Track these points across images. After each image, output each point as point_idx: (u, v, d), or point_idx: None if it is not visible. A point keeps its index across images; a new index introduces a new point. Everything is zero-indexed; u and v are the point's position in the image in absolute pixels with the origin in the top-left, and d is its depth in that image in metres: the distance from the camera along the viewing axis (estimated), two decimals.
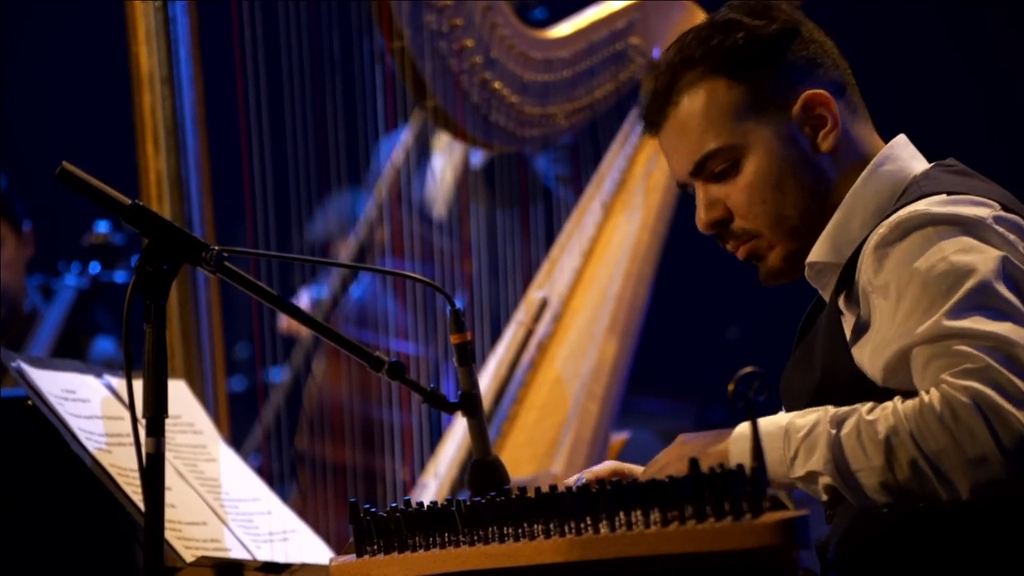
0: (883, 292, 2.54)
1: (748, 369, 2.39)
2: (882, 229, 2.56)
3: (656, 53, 4.69)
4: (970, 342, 2.41)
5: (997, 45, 6.51)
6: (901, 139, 2.76)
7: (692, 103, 2.72)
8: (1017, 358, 2.37)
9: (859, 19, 6.47)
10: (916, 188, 2.65)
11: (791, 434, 2.48)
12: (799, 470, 2.46)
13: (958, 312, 2.44)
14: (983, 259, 2.47)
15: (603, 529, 2.22)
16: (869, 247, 2.57)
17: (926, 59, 6.48)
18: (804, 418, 2.48)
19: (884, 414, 2.42)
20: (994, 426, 2.34)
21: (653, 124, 2.78)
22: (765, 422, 2.52)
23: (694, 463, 2.15)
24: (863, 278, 2.58)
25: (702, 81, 2.71)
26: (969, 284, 2.45)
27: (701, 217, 2.75)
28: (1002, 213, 2.55)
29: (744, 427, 2.52)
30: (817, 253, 2.69)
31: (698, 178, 2.74)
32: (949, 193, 2.58)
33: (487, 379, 4.53)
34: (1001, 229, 2.51)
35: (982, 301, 2.44)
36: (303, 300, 6.10)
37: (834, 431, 2.45)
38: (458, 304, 2.72)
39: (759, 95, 2.70)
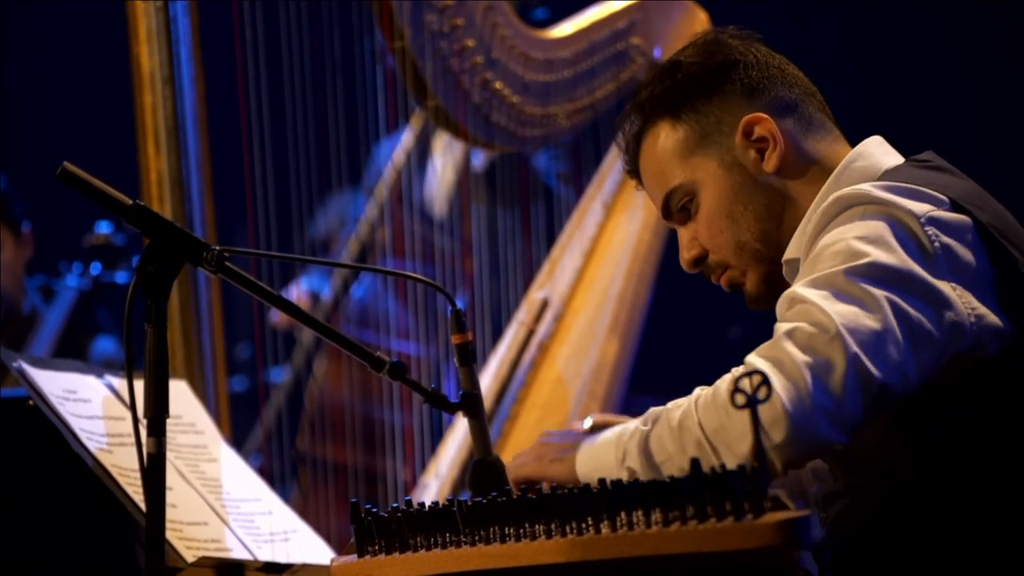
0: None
1: (748, 369, 2.39)
2: (825, 204, 2.61)
3: (657, 53, 4.70)
4: (798, 314, 2.45)
5: (996, 44, 6.51)
6: (875, 139, 2.78)
7: (648, 149, 2.81)
8: (815, 340, 2.40)
9: (858, 17, 6.47)
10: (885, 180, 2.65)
11: (621, 436, 2.59)
12: (622, 470, 2.55)
13: (818, 283, 2.48)
14: (882, 256, 2.48)
15: (604, 529, 2.22)
16: (814, 218, 2.62)
17: (924, 57, 6.48)
18: (638, 419, 2.60)
19: (686, 400, 2.51)
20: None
21: (632, 173, 2.88)
22: (611, 429, 2.65)
23: (695, 462, 2.15)
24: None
25: (652, 126, 2.81)
26: (849, 264, 2.48)
27: (683, 257, 2.84)
28: (941, 214, 2.54)
29: (597, 437, 2.64)
30: (792, 251, 2.72)
31: (670, 220, 2.83)
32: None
33: (488, 379, 4.53)
34: (931, 231, 2.51)
35: (845, 285, 2.47)
36: (294, 293, 6.10)
37: (647, 427, 2.56)
38: (459, 304, 2.72)
39: (700, 129, 2.76)
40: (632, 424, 2.60)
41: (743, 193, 2.74)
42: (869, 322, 2.43)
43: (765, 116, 2.73)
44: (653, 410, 2.59)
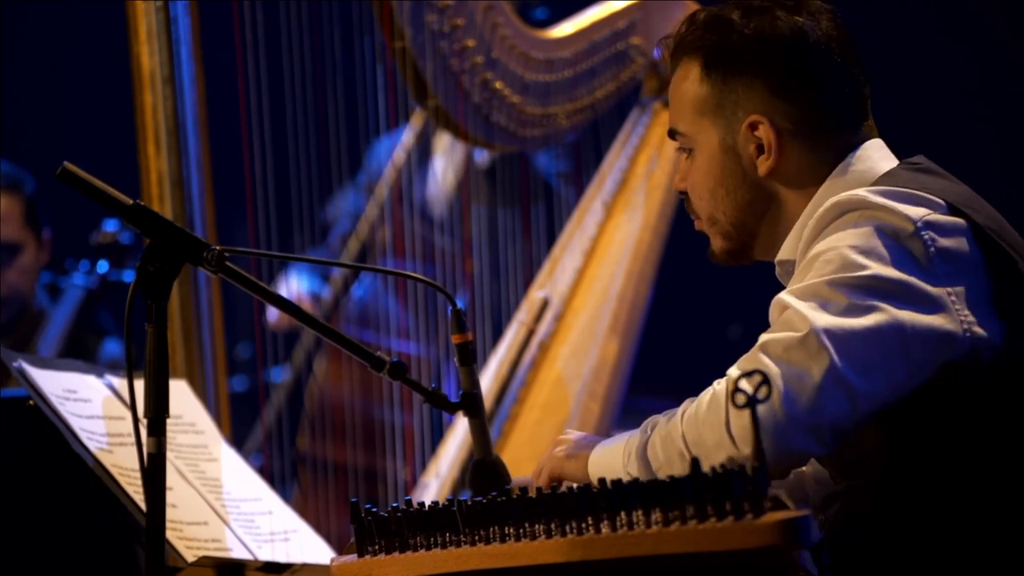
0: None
1: (748, 368, 2.39)
2: (821, 210, 2.61)
3: (657, 53, 4.70)
4: (781, 324, 2.48)
5: (993, 44, 6.51)
6: (875, 142, 2.76)
7: (678, 78, 2.79)
8: (792, 351, 2.43)
9: (857, 17, 6.46)
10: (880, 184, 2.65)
11: (629, 441, 2.60)
12: (625, 475, 2.55)
13: (805, 291, 2.50)
14: (874, 265, 2.49)
15: (604, 529, 2.22)
16: (811, 223, 2.63)
17: (919, 58, 6.48)
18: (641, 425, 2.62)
19: (679, 409, 2.54)
20: (730, 416, 2.43)
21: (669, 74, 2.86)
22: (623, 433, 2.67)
23: (695, 462, 2.15)
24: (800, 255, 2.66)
25: (690, 62, 2.77)
26: (839, 275, 2.49)
27: (675, 180, 2.85)
28: (938, 218, 2.54)
29: (610, 440, 2.64)
30: (786, 251, 2.73)
31: (674, 140, 2.83)
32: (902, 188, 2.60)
33: (488, 379, 4.52)
34: (928, 235, 2.52)
35: (832, 294, 2.48)
36: (294, 287, 6.10)
37: (646, 434, 2.58)
38: (459, 304, 2.72)
39: (719, 99, 2.74)
40: (638, 429, 2.62)
41: (730, 180, 2.73)
42: (854, 331, 2.44)
43: (770, 122, 2.69)
44: (652, 418, 2.61)
